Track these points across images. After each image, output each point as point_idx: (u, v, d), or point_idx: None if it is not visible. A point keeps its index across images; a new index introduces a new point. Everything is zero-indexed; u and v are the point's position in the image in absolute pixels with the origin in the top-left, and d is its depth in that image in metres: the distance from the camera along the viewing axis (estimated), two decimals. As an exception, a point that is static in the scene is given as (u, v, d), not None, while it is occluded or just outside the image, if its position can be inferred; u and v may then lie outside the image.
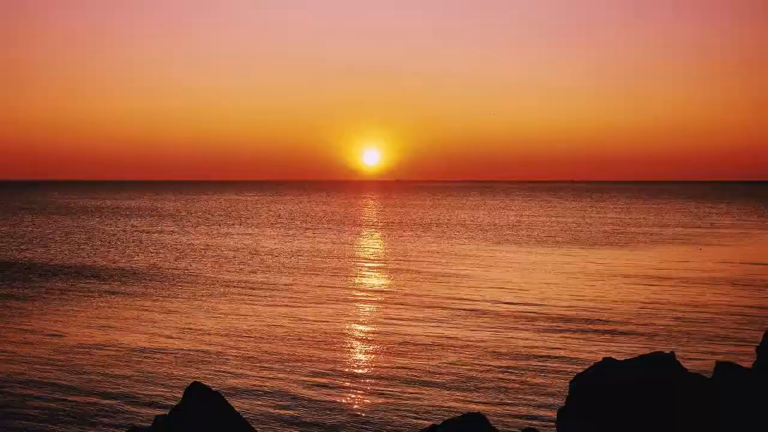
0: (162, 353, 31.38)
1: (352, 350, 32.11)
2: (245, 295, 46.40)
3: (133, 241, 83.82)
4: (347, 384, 26.96)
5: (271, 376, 27.88)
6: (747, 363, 16.64)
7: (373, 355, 31.27)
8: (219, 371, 28.48)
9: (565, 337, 34.08)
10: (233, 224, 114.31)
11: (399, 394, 25.68)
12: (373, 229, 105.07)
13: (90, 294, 46.93)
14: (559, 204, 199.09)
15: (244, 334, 34.88)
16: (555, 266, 60.54)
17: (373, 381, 27.41)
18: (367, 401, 25.04)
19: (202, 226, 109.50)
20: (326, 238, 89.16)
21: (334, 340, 33.89)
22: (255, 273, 56.70)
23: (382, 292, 48.19)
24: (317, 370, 28.74)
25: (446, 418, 16.67)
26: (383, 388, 26.39)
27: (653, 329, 35.67)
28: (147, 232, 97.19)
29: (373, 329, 36.40)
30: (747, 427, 13.54)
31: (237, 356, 30.82)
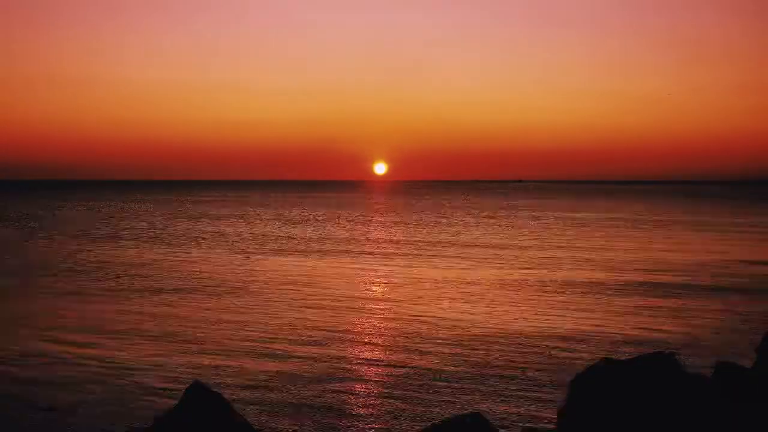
0: (162, 352, 31.38)
1: (352, 350, 32.11)
2: (246, 294, 46.40)
3: (137, 237, 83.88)
4: (347, 383, 26.97)
5: (271, 375, 27.88)
6: (747, 363, 16.66)
7: (373, 355, 31.28)
8: (219, 371, 28.47)
9: (564, 336, 34.10)
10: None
11: (399, 393, 25.69)
12: (386, 228, 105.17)
13: (89, 291, 46.96)
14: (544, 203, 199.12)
15: (245, 333, 34.88)
16: (554, 266, 60.57)
17: (373, 380, 27.42)
18: (367, 400, 25.04)
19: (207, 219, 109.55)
20: (330, 236, 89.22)
21: (335, 339, 33.89)
22: (256, 272, 56.71)
23: (383, 291, 48.20)
24: (317, 369, 28.74)
25: (446, 417, 16.67)
26: (383, 388, 26.40)
27: (653, 329, 35.69)
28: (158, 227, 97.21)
29: (373, 329, 36.41)
30: (747, 427, 13.55)
31: (237, 356, 30.82)
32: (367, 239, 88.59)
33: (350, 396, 25.57)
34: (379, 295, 46.69)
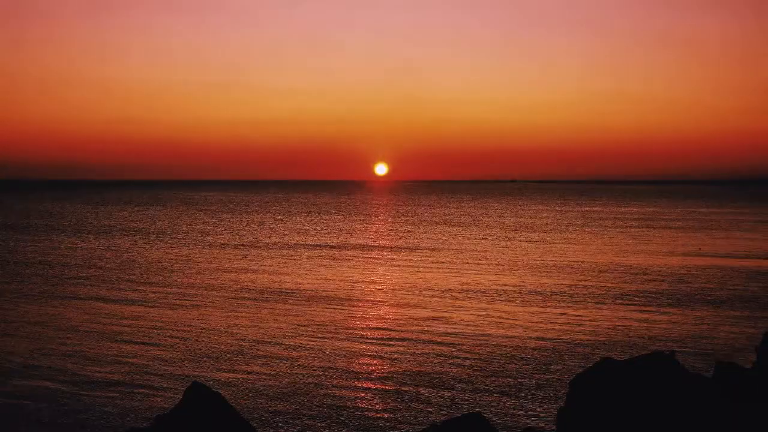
0: (162, 353, 31.38)
1: (352, 350, 32.10)
2: (245, 294, 46.39)
3: (141, 238, 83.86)
4: (347, 384, 26.97)
5: (270, 375, 27.88)
6: (747, 363, 16.67)
7: (374, 355, 31.27)
8: (219, 371, 28.48)
9: (564, 337, 34.09)
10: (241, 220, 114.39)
11: (399, 393, 25.68)
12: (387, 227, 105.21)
13: (91, 292, 46.93)
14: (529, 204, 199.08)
15: (244, 334, 34.88)
16: (555, 266, 60.54)
17: (373, 380, 27.41)
18: (368, 400, 25.04)
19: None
20: (331, 239, 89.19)
21: (334, 339, 33.89)
22: (256, 272, 56.68)
23: (384, 290, 48.19)
24: (317, 369, 28.74)
25: (446, 417, 16.69)
26: (384, 388, 26.40)
27: (653, 329, 35.69)
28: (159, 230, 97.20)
29: (374, 329, 36.40)
30: (747, 427, 13.55)
31: (237, 356, 30.82)
32: (367, 242, 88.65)
33: (350, 396, 25.56)
34: (379, 299, 46.69)
